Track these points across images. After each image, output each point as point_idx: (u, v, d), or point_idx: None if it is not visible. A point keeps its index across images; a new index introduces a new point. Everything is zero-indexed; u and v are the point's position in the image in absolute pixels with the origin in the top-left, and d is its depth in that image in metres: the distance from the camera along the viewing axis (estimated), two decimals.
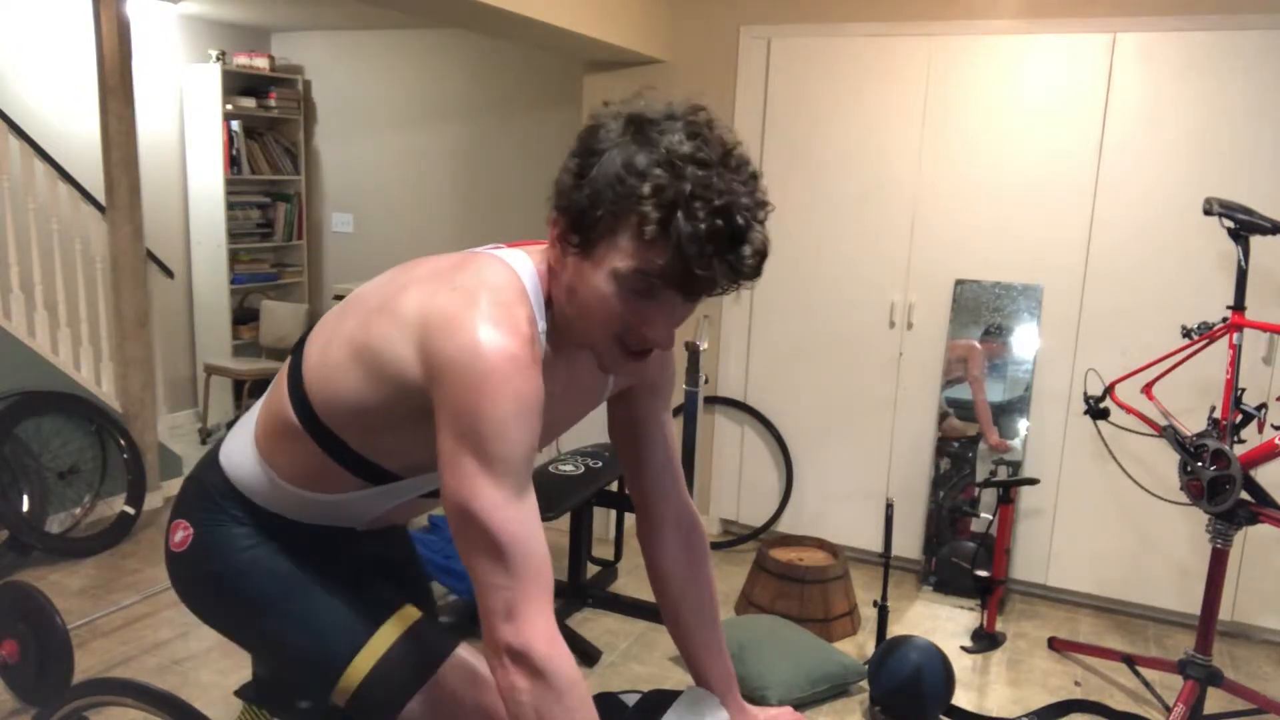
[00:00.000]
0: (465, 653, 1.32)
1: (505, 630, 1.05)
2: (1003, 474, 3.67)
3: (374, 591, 1.35)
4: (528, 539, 1.07)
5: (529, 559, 1.07)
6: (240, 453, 1.35)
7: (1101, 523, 3.64)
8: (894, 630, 3.32)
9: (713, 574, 1.47)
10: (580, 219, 1.09)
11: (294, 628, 1.30)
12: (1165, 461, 3.44)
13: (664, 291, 1.08)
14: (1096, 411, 3.13)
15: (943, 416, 3.79)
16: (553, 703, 1.04)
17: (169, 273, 4.68)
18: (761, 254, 1.07)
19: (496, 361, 1.05)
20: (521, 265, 1.17)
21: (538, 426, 1.09)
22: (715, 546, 4.15)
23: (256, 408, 1.38)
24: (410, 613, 1.32)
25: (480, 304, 1.08)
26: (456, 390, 1.06)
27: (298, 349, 1.29)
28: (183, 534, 1.36)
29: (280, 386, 1.29)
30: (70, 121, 4.73)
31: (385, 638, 1.29)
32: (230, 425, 1.44)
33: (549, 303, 1.18)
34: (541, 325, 1.16)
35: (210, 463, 1.40)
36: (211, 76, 5.30)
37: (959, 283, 3.74)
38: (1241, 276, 2.81)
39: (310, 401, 1.23)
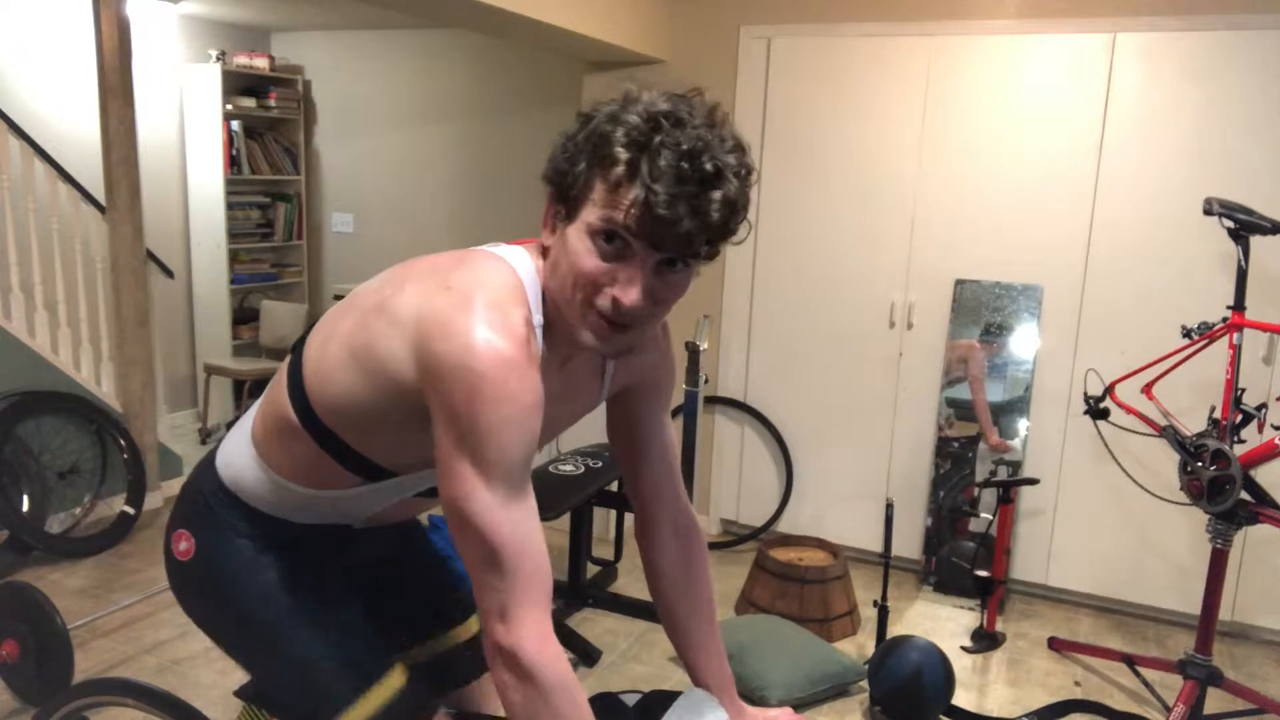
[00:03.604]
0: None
1: (498, 630, 1.07)
2: (1003, 474, 3.67)
3: (368, 642, 1.37)
4: (523, 541, 1.07)
5: (524, 561, 1.07)
6: (237, 454, 1.35)
7: (1101, 523, 3.64)
8: (894, 630, 3.32)
9: (709, 575, 1.47)
10: (562, 180, 1.10)
11: (286, 664, 1.32)
12: (1165, 461, 3.44)
13: (634, 247, 1.06)
14: (1096, 411, 3.13)
15: (946, 422, 3.80)
16: (540, 704, 1.06)
17: (169, 273, 4.69)
18: (731, 204, 1.04)
19: (490, 365, 1.04)
20: (520, 262, 1.16)
21: (536, 428, 1.09)
22: (715, 546, 4.15)
23: (254, 408, 1.37)
24: (396, 680, 1.34)
25: (475, 306, 1.07)
26: (451, 394, 1.05)
27: (298, 347, 1.29)
28: (186, 544, 1.36)
29: (280, 384, 1.29)
30: (70, 121, 4.73)
31: (372, 702, 1.30)
32: (229, 426, 1.43)
33: (545, 299, 1.17)
34: (538, 320, 1.15)
35: (207, 467, 1.39)
36: (211, 76, 5.30)
37: (959, 283, 3.74)
38: (1241, 276, 2.81)
39: (309, 399, 1.23)
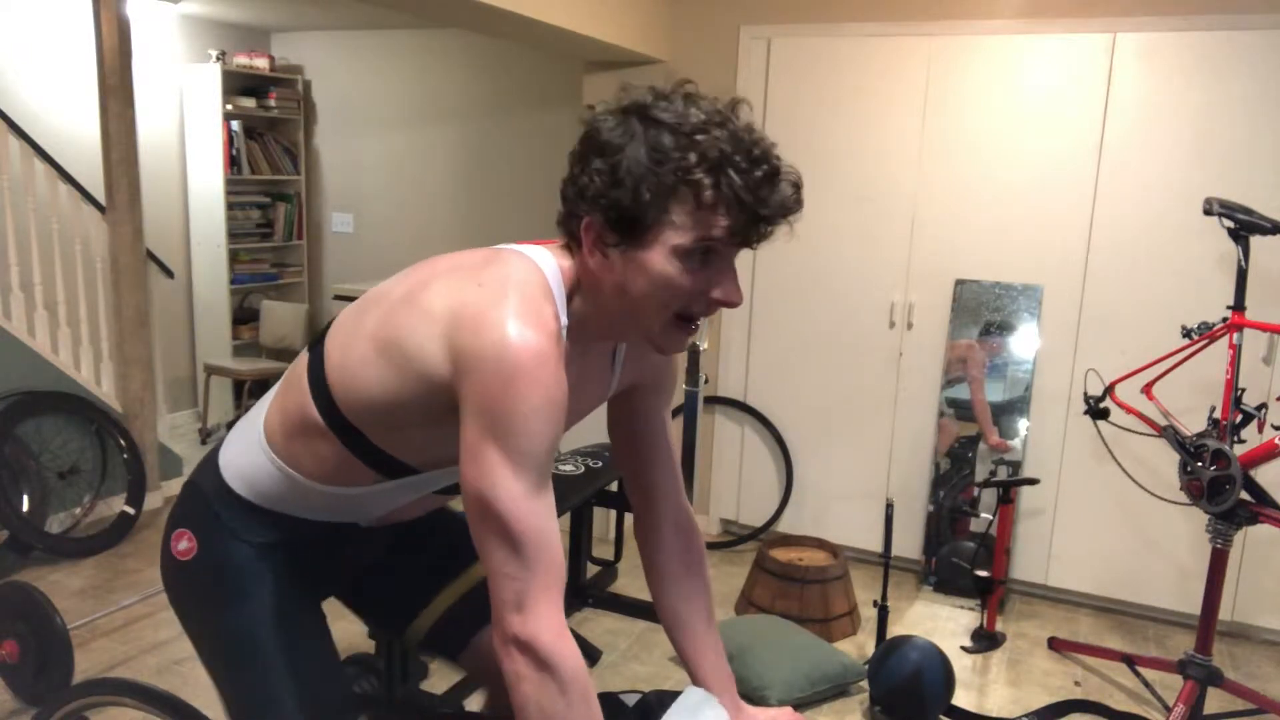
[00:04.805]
0: None
1: (514, 620, 1.07)
2: (1003, 474, 3.67)
3: (340, 696, 1.37)
4: (544, 532, 1.08)
5: (543, 552, 1.08)
6: (245, 453, 1.34)
7: (1101, 523, 3.64)
8: (894, 630, 3.32)
9: (708, 574, 1.48)
10: (624, 214, 1.12)
11: (256, 692, 1.32)
12: (1165, 461, 3.44)
13: (723, 251, 1.14)
14: (1096, 411, 3.13)
15: (941, 417, 3.80)
16: (556, 696, 1.06)
17: (169, 273, 4.69)
18: (800, 184, 1.17)
19: (524, 357, 1.06)
20: (545, 262, 1.18)
21: (562, 422, 1.11)
22: (715, 546, 4.15)
23: (259, 408, 1.37)
24: None
25: (508, 300, 1.09)
26: (484, 385, 1.07)
27: (316, 346, 1.29)
28: (188, 544, 1.36)
29: (298, 384, 1.29)
30: (70, 121, 4.73)
31: None
32: (230, 426, 1.43)
33: (569, 299, 1.20)
34: (563, 320, 1.17)
35: (208, 467, 1.39)
36: (211, 76, 5.30)
37: (959, 283, 3.74)
38: (1241, 276, 2.81)
39: (334, 398, 1.23)
